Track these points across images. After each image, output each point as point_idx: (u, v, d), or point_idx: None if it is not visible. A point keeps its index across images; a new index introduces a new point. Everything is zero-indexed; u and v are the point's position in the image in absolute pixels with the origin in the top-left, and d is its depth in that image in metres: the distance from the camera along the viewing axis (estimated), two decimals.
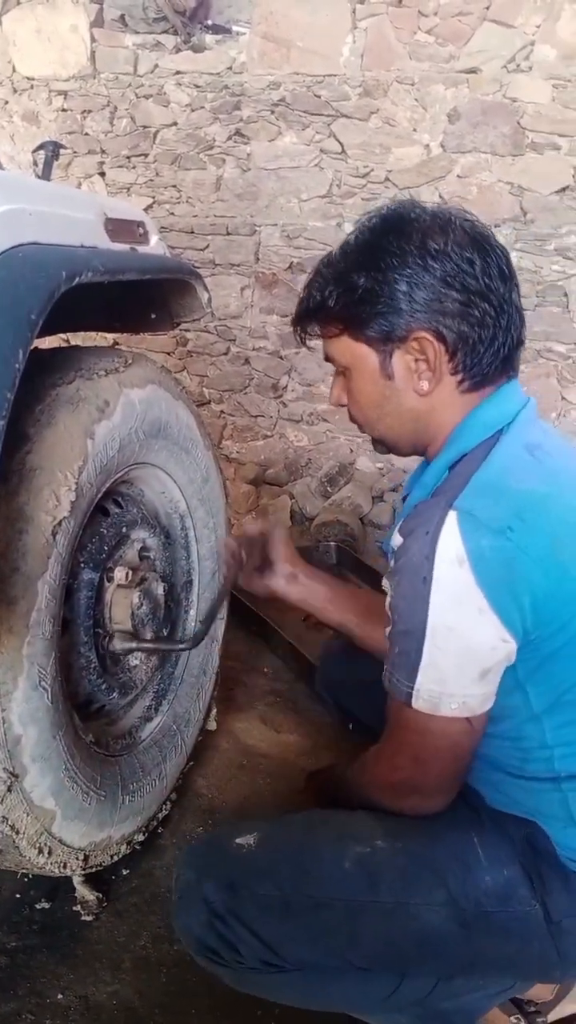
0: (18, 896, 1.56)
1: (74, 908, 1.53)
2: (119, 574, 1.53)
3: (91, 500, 1.35)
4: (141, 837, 1.64)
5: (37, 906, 1.54)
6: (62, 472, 1.24)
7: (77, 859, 1.42)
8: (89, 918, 1.52)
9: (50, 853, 1.33)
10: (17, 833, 1.26)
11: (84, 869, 1.45)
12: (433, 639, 1.00)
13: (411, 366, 1.11)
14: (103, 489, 1.41)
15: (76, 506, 1.26)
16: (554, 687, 1.06)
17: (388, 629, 1.09)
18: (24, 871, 1.47)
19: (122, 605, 1.52)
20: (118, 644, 1.54)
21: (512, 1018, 1.30)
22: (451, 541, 0.97)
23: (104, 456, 1.36)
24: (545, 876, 1.08)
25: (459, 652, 1.00)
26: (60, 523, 1.23)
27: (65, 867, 1.39)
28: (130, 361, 1.47)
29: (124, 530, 1.59)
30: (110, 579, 1.53)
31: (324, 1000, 1.21)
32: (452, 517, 0.98)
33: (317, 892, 1.10)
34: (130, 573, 1.54)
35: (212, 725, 2.04)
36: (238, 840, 1.16)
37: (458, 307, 1.06)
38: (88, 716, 1.55)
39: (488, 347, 1.08)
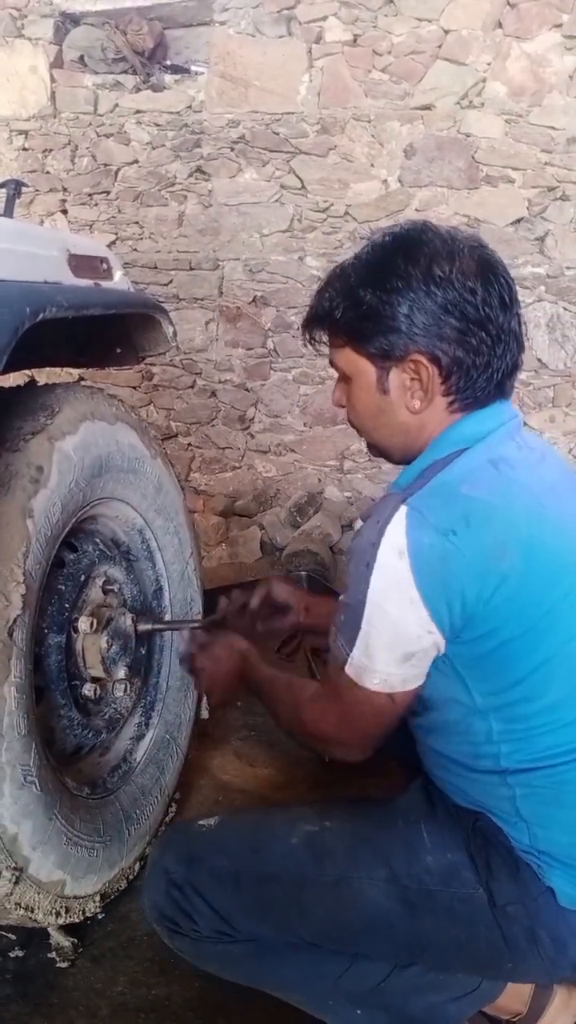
0: None
1: (49, 955, 1.49)
2: (84, 625, 1.48)
3: (43, 575, 1.30)
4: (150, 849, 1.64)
5: (11, 954, 1.50)
6: (5, 566, 1.18)
7: (94, 901, 1.44)
8: (64, 965, 1.48)
9: (68, 911, 1.36)
10: (33, 911, 1.27)
11: (103, 904, 1.48)
12: (369, 618, 1.07)
13: (406, 384, 1.14)
14: (52, 555, 1.34)
15: (28, 596, 1.20)
16: (492, 687, 1.10)
17: (340, 596, 1.15)
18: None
19: (92, 651, 1.49)
20: (140, 626, 1.61)
21: None
22: (396, 534, 1.03)
23: (47, 527, 1.28)
24: (493, 863, 1.13)
25: (389, 634, 1.07)
26: (15, 621, 1.18)
27: (84, 913, 1.42)
28: (57, 408, 1.36)
29: (83, 577, 1.52)
30: (76, 630, 1.48)
31: (277, 980, 1.25)
32: (402, 512, 1.04)
33: (265, 866, 1.20)
34: (95, 622, 1.49)
35: (204, 714, 2.05)
36: (201, 822, 1.30)
37: (456, 333, 1.09)
38: (78, 760, 1.53)
39: (482, 373, 1.12)
